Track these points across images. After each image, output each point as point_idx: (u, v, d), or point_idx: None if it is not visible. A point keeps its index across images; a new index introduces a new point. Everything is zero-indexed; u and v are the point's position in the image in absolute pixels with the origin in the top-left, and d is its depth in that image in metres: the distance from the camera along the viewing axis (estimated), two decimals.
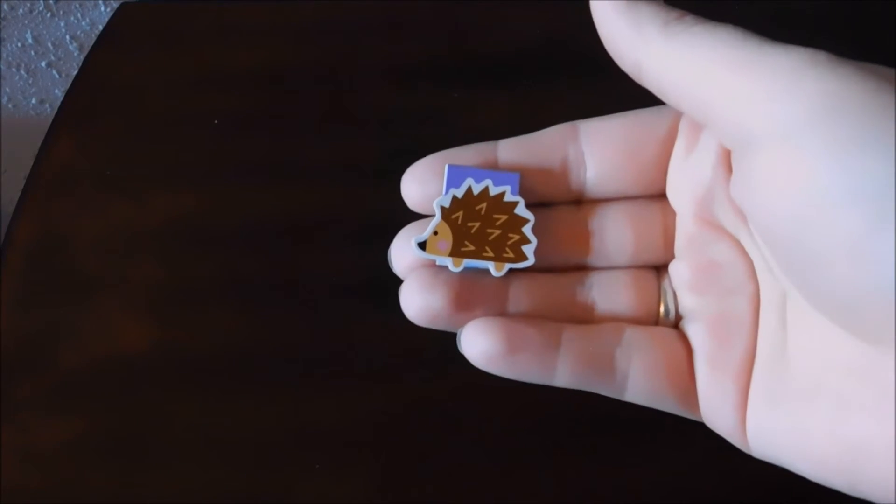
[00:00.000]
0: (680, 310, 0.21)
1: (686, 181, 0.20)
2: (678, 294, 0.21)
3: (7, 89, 0.63)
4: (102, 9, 0.59)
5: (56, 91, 0.64)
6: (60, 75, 0.63)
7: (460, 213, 0.20)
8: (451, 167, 0.20)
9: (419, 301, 0.20)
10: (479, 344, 0.19)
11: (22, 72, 0.62)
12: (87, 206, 0.38)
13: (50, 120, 0.40)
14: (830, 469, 0.17)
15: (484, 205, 0.20)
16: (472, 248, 0.20)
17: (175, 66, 0.42)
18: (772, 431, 0.19)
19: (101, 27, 0.45)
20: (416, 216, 0.21)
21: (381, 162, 0.37)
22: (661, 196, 0.21)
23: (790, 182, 0.16)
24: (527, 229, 0.20)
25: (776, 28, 0.19)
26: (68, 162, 0.39)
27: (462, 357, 0.20)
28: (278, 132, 0.40)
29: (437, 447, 0.33)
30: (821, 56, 0.16)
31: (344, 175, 0.38)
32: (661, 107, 0.20)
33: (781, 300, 0.19)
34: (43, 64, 0.62)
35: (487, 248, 0.20)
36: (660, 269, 0.22)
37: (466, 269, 0.20)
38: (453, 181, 0.20)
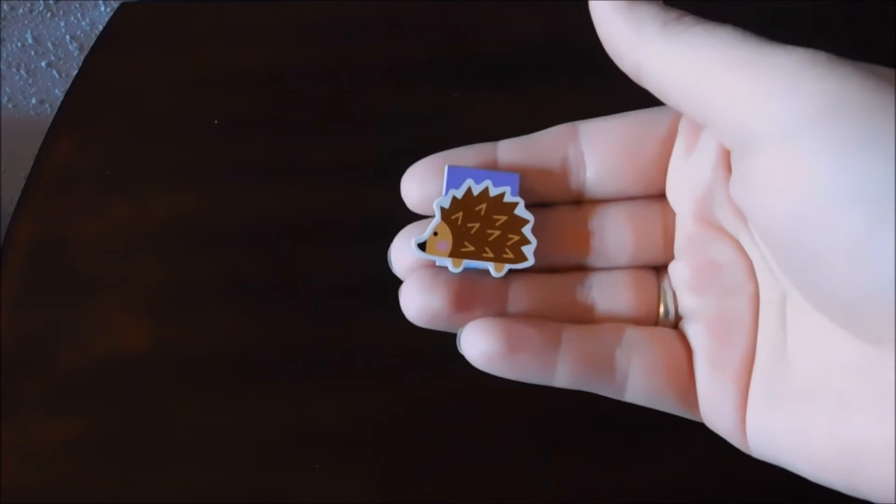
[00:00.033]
0: (680, 310, 0.21)
1: (686, 181, 0.20)
2: (678, 294, 0.21)
3: (7, 89, 0.63)
4: (102, 9, 0.59)
5: (56, 91, 0.64)
6: (60, 75, 0.63)
7: (460, 214, 0.20)
8: (450, 168, 0.20)
9: (419, 301, 0.20)
10: (478, 344, 0.19)
11: (22, 72, 0.63)
12: (87, 206, 0.38)
13: (50, 120, 0.40)
14: (830, 469, 0.17)
15: (484, 205, 0.20)
16: (471, 248, 0.20)
17: (175, 66, 0.42)
18: (771, 431, 0.19)
19: (101, 27, 0.45)
20: (416, 216, 0.21)
21: (381, 162, 0.37)
22: (660, 196, 0.21)
23: (790, 182, 0.16)
24: (526, 230, 0.20)
25: (776, 28, 0.19)
26: (68, 162, 0.39)
27: (462, 357, 0.20)
28: (278, 132, 0.40)
29: (437, 447, 0.33)
30: (820, 56, 0.16)
31: (344, 175, 0.38)
32: (660, 107, 0.20)
33: (781, 300, 0.19)
34: (43, 64, 0.62)
35: (487, 249, 0.20)
36: (659, 269, 0.22)
37: (466, 270, 0.20)
38: (453, 182, 0.20)
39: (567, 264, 0.21)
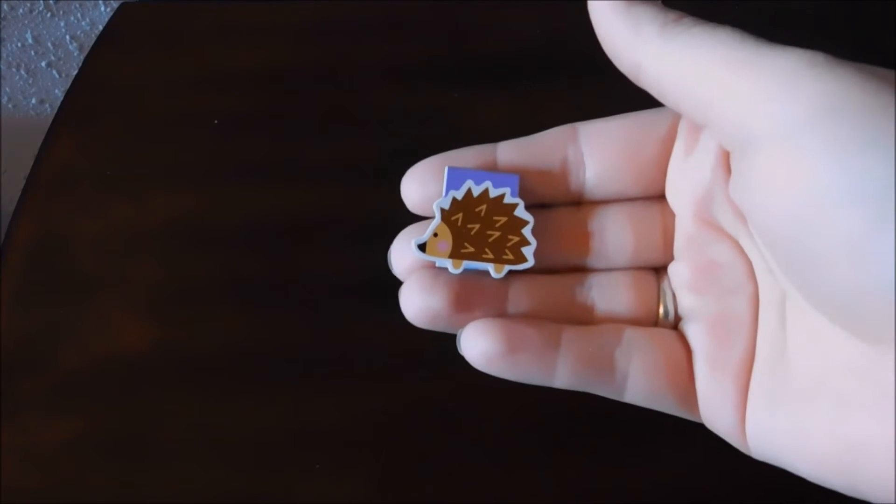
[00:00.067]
0: (679, 311, 0.21)
1: (685, 182, 0.20)
2: (677, 295, 0.21)
3: (7, 89, 0.63)
4: (102, 9, 0.59)
5: (56, 91, 0.64)
6: (60, 75, 0.63)
7: (460, 215, 0.20)
8: (450, 169, 0.20)
9: (419, 302, 0.20)
10: (478, 345, 0.19)
11: (22, 72, 0.63)
12: (87, 206, 0.38)
13: (50, 120, 0.40)
14: (830, 469, 0.17)
15: (484, 206, 0.20)
16: (471, 249, 0.20)
17: (175, 66, 0.42)
18: (771, 431, 0.19)
19: (101, 27, 0.45)
20: (416, 217, 0.21)
21: (381, 162, 0.37)
22: (660, 197, 0.21)
23: (790, 182, 0.16)
24: (526, 231, 0.20)
25: (776, 28, 0.19)
26: (68, 162, 0.39)
27: (462, 357, 0.20)
28: (278, 132, 0.40)
29: (437, 447, 0.33)
30: (819, 57, 0.16)
31: (344, 175, 0.38)
32: (660, 108, 0.20)
33: (781, 300, 0.19)
34: (43, 64, 0.62)
35: (487, 250, 0.20)
36: (659, 270, 0.22)
37: (466, 271, 0.20)
38: (453, 183, 0.20)
39: (567, 265, 0.21)
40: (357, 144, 0.39)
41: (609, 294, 0.21)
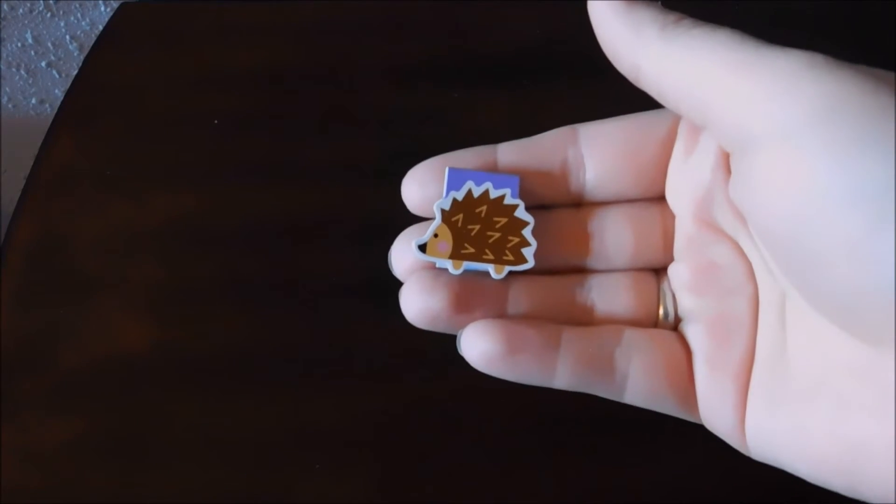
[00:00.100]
0: (679, 312, 0.21)
1: (685, 183, 0.20)
2: (677, 296, 0.21)
3: (7, 89, 0.63)
4: (102, 9, 0.59)
5: (56, 91, 0.64)
6: (60, 75, 0.63)
7: (460, 216, 0.20)
8: (451, 170, 0.20)
9: (419, 303, 0.20)
10: (478, 345, 0.19)
11: (22, 72, 0.62)
12: (87, 206, 0.38)
13: (50, 120, 0.40)
14: (830, 470, 0.17)
15: (484, 207, 0.20)
16: (472, 250, 0.20)
17: (175, 66, 0.42)
18: (771, 432, 0.19)
19: (101, 27, 0.45)
20: (416, 215, 0.21)
21: (381, 162, 0.37)
22: (660, 199, 0.21)
23: (790, 182, 0.16)
24: (527, 232, 0.20)
25: (775, 28, 0.19)
26: (68, 162, 0.39)
27: (462, 357, 0.20)
28: (278, 132, 0.40)
29: (437, 447, 0.33)
30: (818, 58, 0.16)
31: (344, 175, 0.38)
32: (660, 110, 0.20)
33: (781, 301, 0.19)
34: (43, 64, 0.62)
35: (487, 251, 0.20)
36: (659, 271, 0.22)
37: (466, 272, 0.20)
38: (454, 184, 0.20)
39: (567, 266, 0.21)
40: (357, 144, 0.39)
41: (609, 295, 0.21)
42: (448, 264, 0.20)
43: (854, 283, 0.15)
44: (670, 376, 0.20)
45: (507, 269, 0.20)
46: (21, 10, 0.58)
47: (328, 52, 0.42)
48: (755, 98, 0.16)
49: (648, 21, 0.18)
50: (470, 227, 0.20)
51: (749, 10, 0.41)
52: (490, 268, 0.20)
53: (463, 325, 0.20)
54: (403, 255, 0.21)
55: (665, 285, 0.21)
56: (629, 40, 0.18)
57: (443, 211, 0.20)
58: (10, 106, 0.64)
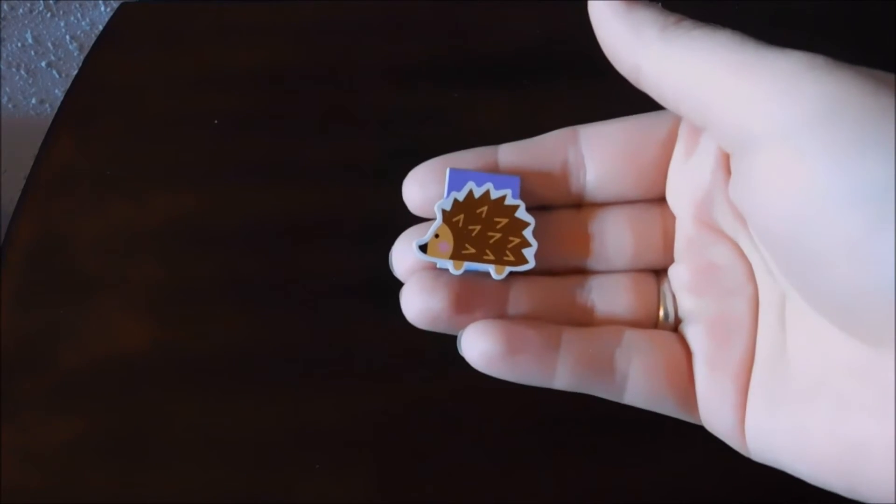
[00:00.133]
0: (679, 313, 0.21)
1: (685, 184, 0.20)
2: (677, 297, 0.21)
3: (7, 89, 0.63)
4: (102, 9, 0.59)
5: (56, 91, 0.64)
6: (60, 75, 0.63)
7: (461, 217, 0.20)
8: (452, 171, 0.20)
9: (419, 303, 0.20)
10: (479, 346, 0.19)
11: (22, 72, 0.62)
12: (87, 206, 0.38)
13: (50, 120, 0.40)
14: (829, 470, 0.17)
15: (485, 208, 0.20)
16: (472, 251, 0.20)
17: (175, 66, 0.42)
18: (771, 432, 0.19)
19: (101, 27, 0.45)
20: (416, 214, 0.21)
21: (381, 162, 0.37)
22: (660, 200, 0.21)
23: (789, 182, 0.16)
24: (527, 233, 0.20)
25: (775, 29, 0.19)
26: (68, 162, 0.39)
27: (462, 357, 0.20)
28: (278, 132, 0.40)
29: (437, 447, 0.33)
30: (818, 60, 0.16)
31: (344, 175, 0.38)
32: (660, 111, 0.20)
33: (780, 302, 0.19)
34: (43, 64, 0.62)
35: (488, 252, 0.20)
36: (659, 272, 0.22)
37: (467, 272, 0.20)
38: (454, 184, 0.20)
39: (567, 267, 0.21)
40: (357, 144, 0.39)
41: (609, 296, 0.21)
42: (449, 265, 0.20)
43: (854, 284, 0.15)
44: (670, 377, 0.20)
45: (508, 269, 0.20)
46: (21, 10, 0.58)
47: (328, 52, 0.42)
48: (755, 99, 0.16)
49: (649, 22, 0.18)
50: (471, 227, 0.20)
51: (749, 11, 0.41)
52: (491, 268, 0.20)
53: (463, 326, 0.20)
54: (404, 256, 0.21)
55: (665, 286, 0.21)
56: (629, 41, 0.18)
57: (444, 211, 0.20)
58: (10, 106, 0.64)
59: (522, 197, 0.20)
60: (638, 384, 0.20)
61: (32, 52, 0.61)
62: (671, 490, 0.31)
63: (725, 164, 0.19)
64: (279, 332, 0.35)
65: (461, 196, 0.20)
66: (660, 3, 0.18)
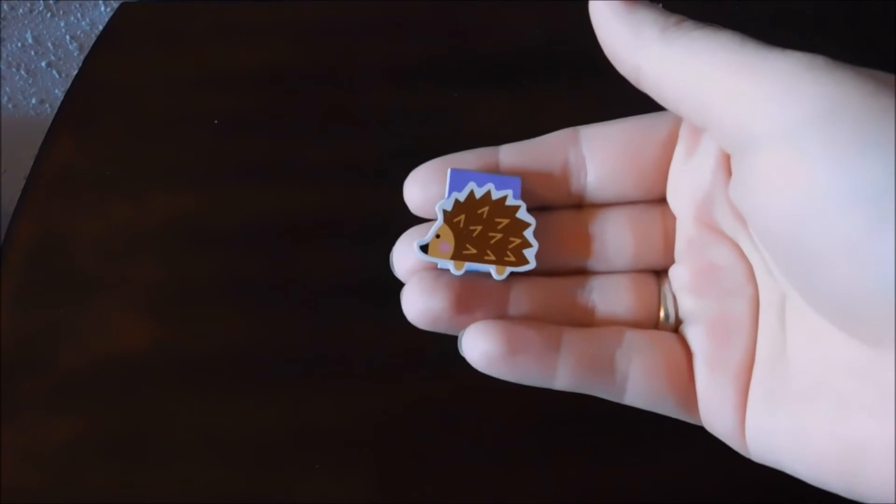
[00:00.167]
0: (680, 313, 0.21)
1: (686, 185, 0.20)
2: (678, 297, 0.21)
3: (7, 89, 0.63)
4: (102, 9, 0.59)
5: (56, 91, 0.64)
6: (60, 75, 0.63)
7: (462, 217, 0.20)
8: (453, 171, 0.20)
9: (420, 303, 0.20)
10: (479, 346, 0.19)
11: (22, 72, 0.62)
12: (87, 206, 0.38)
13: (50, 120, 0.40)
14: (829, 470, 0.17)
15: (486, 208, 0.20)
16: (473, 251, 0.20)
17: (175, 66, 0.42)
18: (771, 433, 0.19)
19: (101, 27, 0.45)
20: (417, 214, 0.21)
21: (381, 162, 0.37)
22: (661, 201, 0.21)
23: (790, 182, 0.16)
24: (528, 233, 0.20)
25: (775, 29, 0.19)
26: (68, 162, 0.39)
27: (462, 357, 0.20)
28: (278, 132, 0.40)
29: (437, 447, 0.33)
30: (819, 60, 0.16)
31: (344, 175, 0.38)
32: (661, 112, 0.20)
33: (781, 302, 0.19)
34: (43, 64, 0.62)
35: (489, 252, 0.20)
36: (660, 273, 0.22)
37: (468, 273, 0.20)
38: (456, 185, 0.20)
39: (568, 268, 0.21)
40: (357, 144, 0.39)
41: (610, 296, 0.21)
42: (450, 265, 0.20)
43: (854, 284, 0.15)
44: (670, 378, 0.20)
45: (509, 270, 0.20)
46: (21, 10, 0.58)
47: (328, 52, 0.42)
48: (755, 99, 0.16)
49: (649, 22, 0.18)
50: (472, 228, 0.20)
51: (749, 11, 0.41)
52: (492, 269, 0.20)
53: (464, 326, 0.20)
54: (405, 256, 0.21)
55: (666, 287, 0.21)
56: (630, 41, 0.18)
57: (445, 212, 0.20)
58: (10, 106, 0.64)
59: (523, 197, 0.20)
60: (638, 385, 0.20)
61: (32, 52, 0.61)
62: (671, 490, 0.32)
63: (726, 164, 0.19)
64: (279, 332, 0.35)
65: (462, 196, 0.20)
66: (660, 4, 0.18)
